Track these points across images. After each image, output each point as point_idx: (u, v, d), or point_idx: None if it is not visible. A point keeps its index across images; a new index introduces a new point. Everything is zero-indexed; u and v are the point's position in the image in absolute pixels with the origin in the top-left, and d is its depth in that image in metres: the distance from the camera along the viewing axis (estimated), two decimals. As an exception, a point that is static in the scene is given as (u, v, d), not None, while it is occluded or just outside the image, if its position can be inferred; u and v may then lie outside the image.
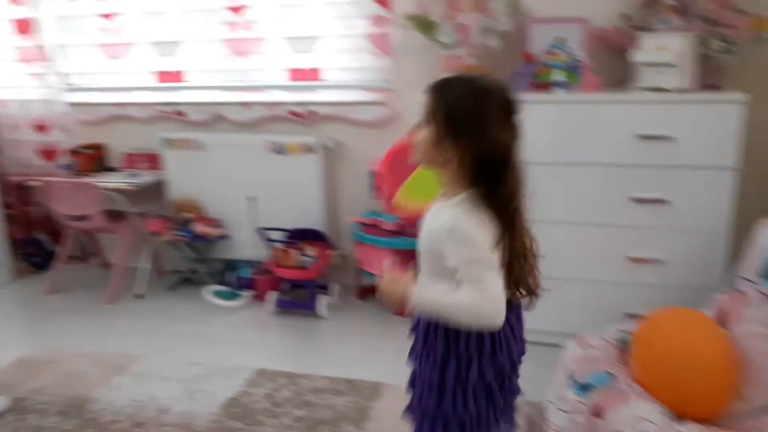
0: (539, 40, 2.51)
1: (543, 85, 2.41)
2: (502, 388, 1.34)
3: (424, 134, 1.27)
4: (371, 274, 2.92)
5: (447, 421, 1.32)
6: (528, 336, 2.46)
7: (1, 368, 2.51)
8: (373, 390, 2.27)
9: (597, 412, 1.64)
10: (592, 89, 2.37)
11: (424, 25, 2.49)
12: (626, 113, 2.27)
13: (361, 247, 2.95)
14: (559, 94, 2.32)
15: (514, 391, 1.40)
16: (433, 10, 2.47)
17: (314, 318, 2.93)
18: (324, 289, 3.05)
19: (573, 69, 2.33)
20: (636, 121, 2.25)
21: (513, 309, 1.33)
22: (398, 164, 2.08)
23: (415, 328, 1.41)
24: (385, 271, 1.30)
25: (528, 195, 1.28)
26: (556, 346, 2.38)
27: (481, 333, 1.27)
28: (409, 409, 1.43)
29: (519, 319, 1.39)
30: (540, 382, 1.90)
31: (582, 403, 1.70)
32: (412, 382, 1.42)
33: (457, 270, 1.22)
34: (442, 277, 1.26)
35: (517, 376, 1.42)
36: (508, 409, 1.40)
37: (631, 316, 2.09)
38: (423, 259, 1.34)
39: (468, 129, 1.21)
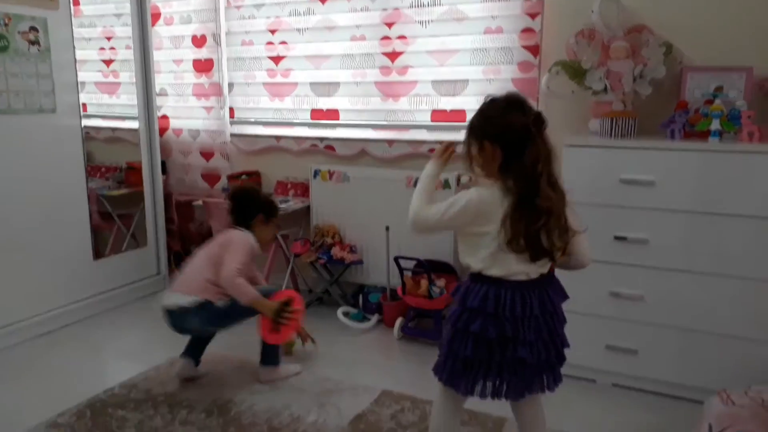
0: (695, 89, 2.47)
1: (697, 133, 2.36)
2: (504, 347, 1.58)
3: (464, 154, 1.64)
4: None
5: (455, 358, 1.66)
6: (669, 390, 2.37)
7: (157, 365, 2.78)
8: (497, 424, 2.27)
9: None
10: (751, 140, 2.24)
11: (574, 71, 2.51)
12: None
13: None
14: (712, 143, 2.25)
15: (521, 356, 1.57)
16: (584, 57, 2.48)
17: (438, 347, 2.95)
18: (449, 321, 3.11)
19: (731, 118, 2.25)
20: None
21: (529, 284, 1.59)
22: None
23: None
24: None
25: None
26: (697, 402, 2.26)
27: (486, 296, 1.57)
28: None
29: (534, 295, 1.59)
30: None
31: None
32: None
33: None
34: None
35: (553, 349, 1.64)
36: (514, 370, 1.61)
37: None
38: None
39: (486, 125, 1.56)
